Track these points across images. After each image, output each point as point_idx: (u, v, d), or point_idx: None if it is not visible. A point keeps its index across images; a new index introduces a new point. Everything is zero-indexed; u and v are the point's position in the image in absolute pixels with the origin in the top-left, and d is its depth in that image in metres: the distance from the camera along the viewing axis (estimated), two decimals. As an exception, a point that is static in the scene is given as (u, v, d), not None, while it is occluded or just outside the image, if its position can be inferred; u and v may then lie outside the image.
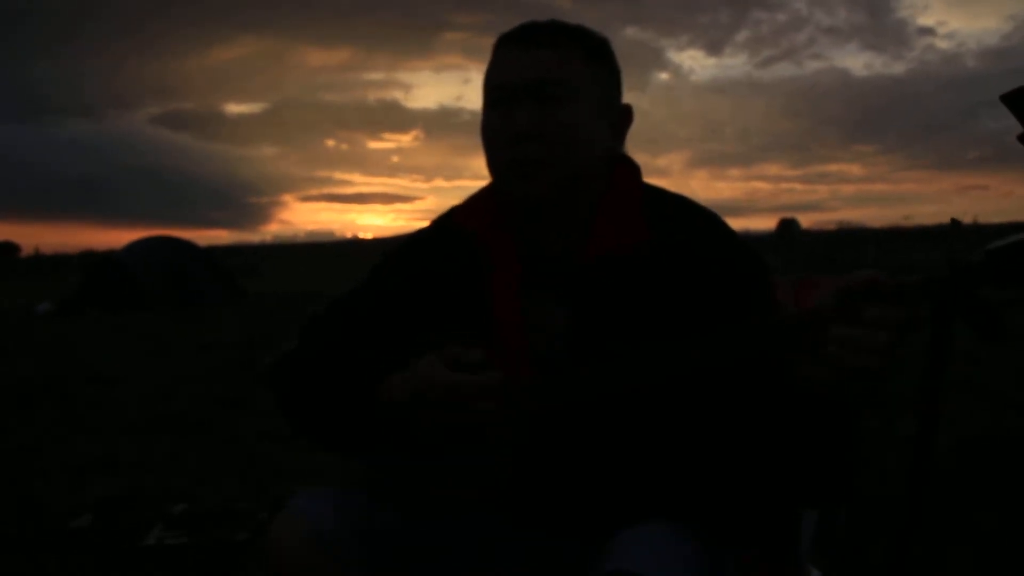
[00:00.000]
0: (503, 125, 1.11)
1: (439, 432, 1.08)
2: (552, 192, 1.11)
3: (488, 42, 1.19)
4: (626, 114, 1.19)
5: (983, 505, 2.65)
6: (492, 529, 1.17)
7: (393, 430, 1.09)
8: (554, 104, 1.10)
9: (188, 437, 3.93)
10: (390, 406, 1.08)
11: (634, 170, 1.19)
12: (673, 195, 1.19)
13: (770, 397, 0.98)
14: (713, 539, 1.07)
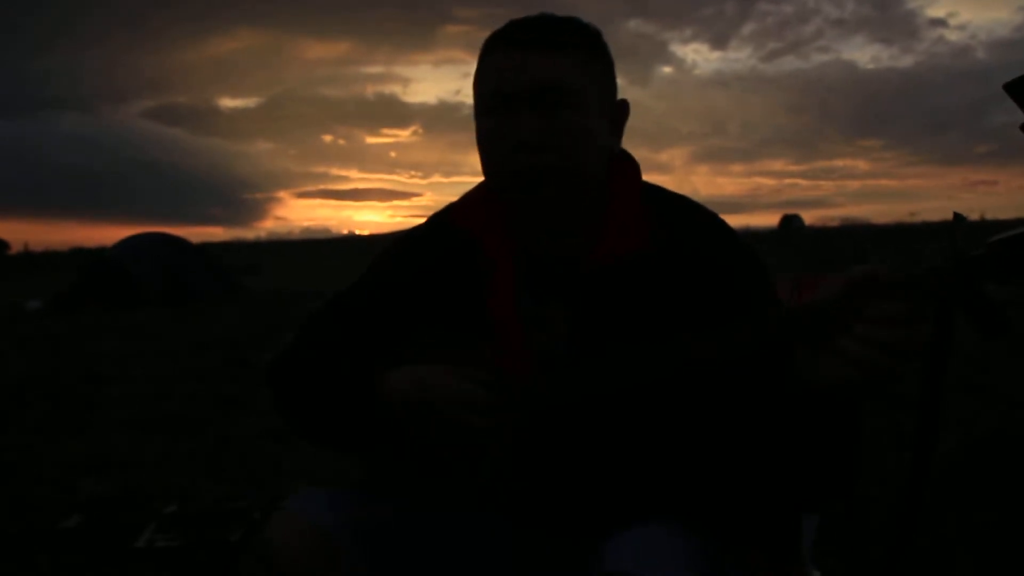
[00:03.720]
0: (505, 134, 1.08)
1: (433, 440, 1.09)
2: (566, 198, 1.10)
3: (490, 36, 1.15)
4: (623, 109, 1.17)
5: (988, 506, 2.65)
6: (490, 528, 1.17)
7: (389, 431, 1.10)
8: (558, 109, 1.07)
9: (182, 436, 3.93)
10: (387, 405, 1.08)
11: (635, 169, 1.18)
12: (674, 195, 1.19)
13: (774, 395, 0.98)
14: (714, 539, 1.07)
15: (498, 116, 1.09)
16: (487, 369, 1.11)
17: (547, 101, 1.07)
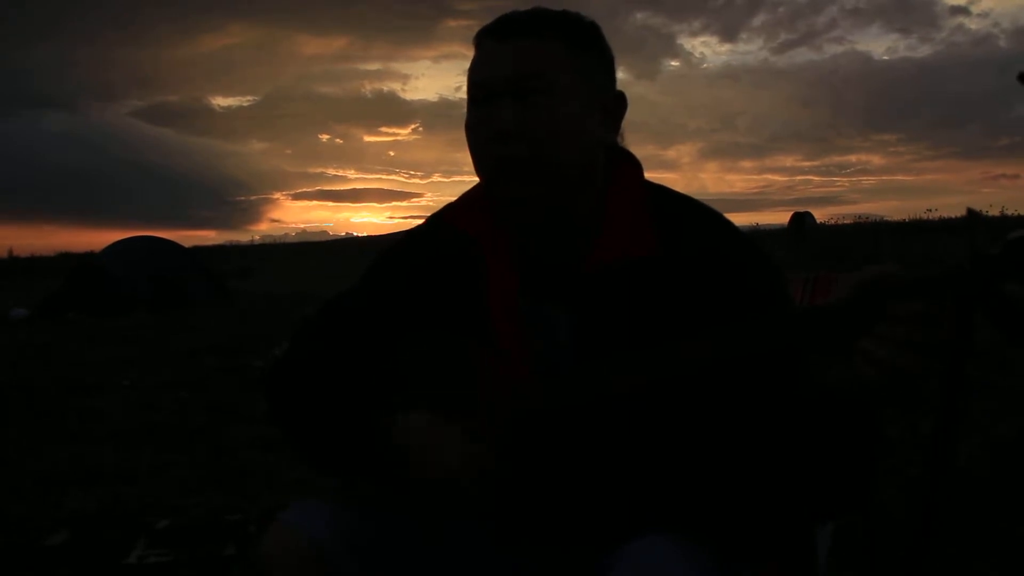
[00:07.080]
0: (484, 124, 1.10)
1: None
2: (541, 192, 1.10)
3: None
4: (619, 102, 1.17)
5: (1010, 511, 2.65)
6: (488, 541, 1.17)
7: (390, 472, 1.10)
8: (534, 98, 1.08)
9: (173, 446, 3.92)
10: (389, 452, 1.09)
11: (636, 168, 1.18)
12: (678, 195, 1.18)
13: (787, 400, 0.98)
14: (725, 553, 1.06)
15: (479, 107, 1.11)
16: (486, 375, 1.11)
17: (523, 90, 1.08)
